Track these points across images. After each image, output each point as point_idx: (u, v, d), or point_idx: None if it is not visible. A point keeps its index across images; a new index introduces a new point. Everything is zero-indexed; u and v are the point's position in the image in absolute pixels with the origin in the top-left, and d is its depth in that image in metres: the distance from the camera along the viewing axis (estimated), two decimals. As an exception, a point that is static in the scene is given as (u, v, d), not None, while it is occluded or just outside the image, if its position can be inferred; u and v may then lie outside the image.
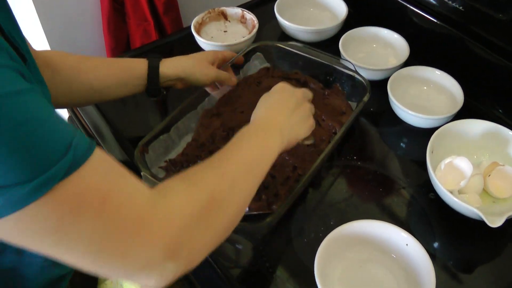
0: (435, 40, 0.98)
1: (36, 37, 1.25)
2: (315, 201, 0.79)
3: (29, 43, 0.66)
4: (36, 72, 0.64)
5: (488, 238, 0.74)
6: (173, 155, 0.83)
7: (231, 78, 0.90)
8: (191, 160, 0.79)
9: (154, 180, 0.72)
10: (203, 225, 0.49)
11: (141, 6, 1.26)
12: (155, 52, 1.00)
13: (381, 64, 0.99)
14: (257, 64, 0.98)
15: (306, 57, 0.92)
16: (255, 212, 0.72)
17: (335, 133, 0.83)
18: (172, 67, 0.82)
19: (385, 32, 1.02)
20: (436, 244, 0.73)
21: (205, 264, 0.71)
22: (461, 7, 0.87)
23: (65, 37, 1.25)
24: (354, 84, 0.89)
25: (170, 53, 1.09)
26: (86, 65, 0.78)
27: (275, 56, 0.98)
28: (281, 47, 0.95)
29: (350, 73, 0.89)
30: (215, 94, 0.91)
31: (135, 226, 0.44)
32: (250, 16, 1.07)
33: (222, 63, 0.90)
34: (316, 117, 0.86)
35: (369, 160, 0.85)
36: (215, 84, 0.90)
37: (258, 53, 0.98)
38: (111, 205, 0.43)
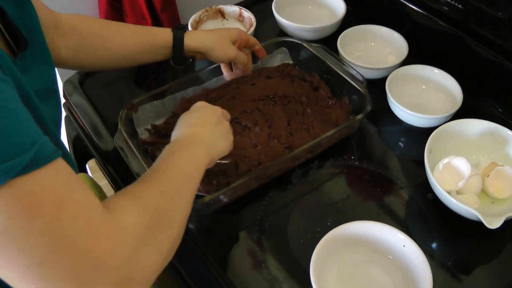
0: (434, 39, 0.97)
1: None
2: (312, 201, 0.79)
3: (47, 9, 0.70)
4: (44, 52, 0.65)
5: (486, 239, 0.73)
6: (160, 121, 0.86)
7: (248, 64, 0.90)
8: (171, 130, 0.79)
9: (126, 137, 0.76)
10: (150, 245, 0.48)
11: (138, 4, 1.25)
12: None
13: (380, 62, 0.98)
14: (279, 58, 0.98)
15: (327, 63, 0.91)
16: (203, 194, 0.74)
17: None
18: (195, 40, 0.84)
19: (384, 30, 1.01)
20: (434, 245, 0.73)
21: (200, 265, 0.71)
22: (460, 5, 0.86)
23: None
24: (360, 101, 0.86)
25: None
26: (111, 32, 0.81)
27: (299, 55, 0.97)
28: (306, 47, 0.94)
29: (360, 89, 0.86)
30: (226, 76, 0.92)
31: (86, 242, 0.42)
32: (247, 14, 1.06)
33: (244, 45, 0.91)
34: (308, 122, 0.86)
35: (367, 159, 0.85)
36: (230, 65, 0.92)
37: (283, 48, 0.98)
38: (66, 213, 0.41)
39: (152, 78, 1.05)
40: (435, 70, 0.91)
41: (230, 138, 0.72)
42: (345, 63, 0.90)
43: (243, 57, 0.88)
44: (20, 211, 0.38)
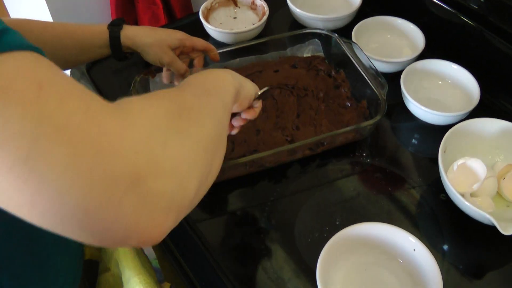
0: (452, 32, 0.94)
1: (41, 18, 1.23)
2: (321, 198, 0.77)
3: None
4: None
5: (500, 244, 0.71)
6: None
7: (186, 74, 0.84)
8: None
9: None
10: (179, 132, 0.39)
11: (149, -12, 1.23)
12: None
13: (395, 55, 0.95)
14: (310, 49, 0.95)
15: (352, 62, 0.87)
16: None
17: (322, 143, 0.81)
18: (130, 39, 0.82)
19: (400, 22, 0.97)
20: (445, 248, 0.71)
21: (205, 265, 0.69)
22: (480, -2, 0.83)
23: (72, 18, 1.23)
24: (377, 106, 0.82)
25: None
26: (50, 35, 0.79)
27: (331, 48, 0.94)
28: (339, 42, 0.90)
29: (379, 94, 0.81)
30: (164, 78, 0.88)
31: (83, 124, 0.32)
32: (260, 2, 1.03)
33: (188, 51, 0.87)
34: (318, 119, 0.83)
35: (379, 156, 0.82)
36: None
37: (316, 40, 0.95)
38: (49, 95, 0.31)
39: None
40: (453, 65, 0.88)
41: (254, 85, 0.66)
42: (372, 66, 0.85)
43: (179, 66, 0.84)
44: None
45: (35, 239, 0.57)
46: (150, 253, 0.96)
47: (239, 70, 0.88)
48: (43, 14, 1.20)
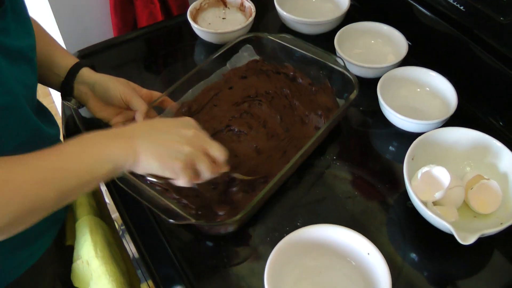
0: (435, 40, 0.93)
1: (43, 16, 1.26)
2: (285, 198, 0.77)
3: None
4: (23, 20, 0.64)
5: (461, 254, 0.70)
6: None
7: (140, 109, 0.77)
8: None
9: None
10: None
11: (147, -13, 1.25)
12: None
13: (379, 61, 0.95)
14: (246, 56, 0.95)
15: (298, 51, 0.89)
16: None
17: (318, 129, 0.81)
18: (92, 73, 0.78)
19: (385, 28, 0.97)
20: (405, 255, 0.70)
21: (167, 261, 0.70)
22: (461, 7, 0.82)
23: (73, 16, 1.26)
24: (344, 81, 0.85)
25: (168, 37, 1.09)
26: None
27: (266, 48, 0.94)
28: (272, 39, 0.91)
29: (340, 69, 0.85)
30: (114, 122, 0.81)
31: None
32: (249, 4, 1.04)
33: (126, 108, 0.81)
34: (300, 113, 0.84)
35: (351, 161, 0.82)
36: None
37: (248, 45, 0.94)
38: None
39: (161, 62, 1.05)
40: (431, 73, 0.87)
41: (187, 150, 0.60)
42: (316, 47, 0.87)
43: (138, 101, 0.78)
44: None
45: None
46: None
47: (197, 100, 0.87)
48: (44, 9, 1.23)
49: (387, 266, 0.61)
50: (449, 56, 0.92)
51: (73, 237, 0.84)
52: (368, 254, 0.64)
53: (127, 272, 0.83)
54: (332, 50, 0.92)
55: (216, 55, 0.89)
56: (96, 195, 0.90)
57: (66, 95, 0.79)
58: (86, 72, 0.77)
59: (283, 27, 1.06)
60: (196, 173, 0.62)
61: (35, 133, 0.67)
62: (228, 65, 0.93)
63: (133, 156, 0.57)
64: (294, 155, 0.74)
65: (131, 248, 0.89)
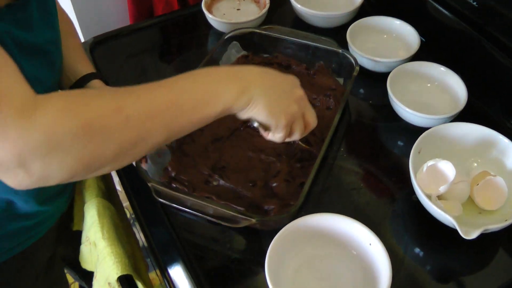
0: (447, 36, 0.93)
1: (61, 1, 1.28)
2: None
3: None
4: (47, 13, 0.63)
5: (465, 249, 0.70)
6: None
7: None
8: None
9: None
10: (67, 153, 0.45)
11: (165, -22, 1.26)
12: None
13: (391, 56, 0.95)
14: (234, 53, 0.94)
15: (287, 39, 0.90)
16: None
17: (329, 109, 0.82)
18: (102, 85, 0.76)
19: (398, 23, 0.97)
20: (407, 248, 0.70)
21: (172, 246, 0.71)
22: (474, 2, 0.82)
23: (90, 2, 1.27)
24: (339, 60, 0.86)
25: (183, 26, 1.10)
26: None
27: (254, 42, 0.94)
28: (258, 32, 0.91)
29: (334, 49, 0.86)
30: None
31: None
32: (263, -5, 1.05)
33: None
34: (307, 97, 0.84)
35: (359, 153, 0.82)
36: None
37: (234, 42, 0.94)
38: None
39: (174, 51, 1.06)
40: (441, 68, 0.87)
41: (296, 107, 0.61)
42: (304, 32, 0.88)
43: None
44: None
45: None
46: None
47: None
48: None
49: (388, 257, 0.62)
50: (460, 52, 0.91)
51: (81, 222, 0.86)
52: (370, 244, 0.64)
53: (133, 255, 0.84)
54: (345, 44, 0.93)
55: (211, 53, 0.88)
56: (105, 178, 0.91)
57: None
58: (97, 84, 0.75)
59: (297, 20, 1.07)
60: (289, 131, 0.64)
61: None
62: (221, 65, 0.93)
63: (247, 102, 0.56)
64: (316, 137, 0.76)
65: (141, 237, 0.90)
